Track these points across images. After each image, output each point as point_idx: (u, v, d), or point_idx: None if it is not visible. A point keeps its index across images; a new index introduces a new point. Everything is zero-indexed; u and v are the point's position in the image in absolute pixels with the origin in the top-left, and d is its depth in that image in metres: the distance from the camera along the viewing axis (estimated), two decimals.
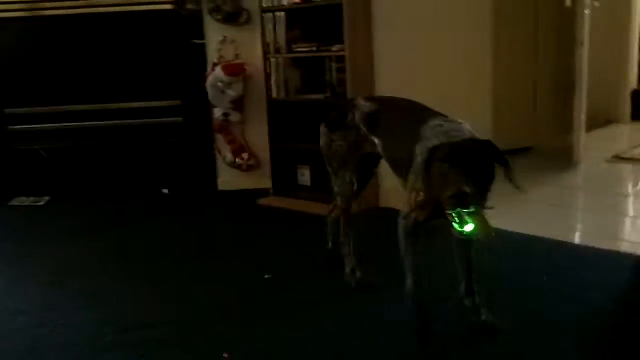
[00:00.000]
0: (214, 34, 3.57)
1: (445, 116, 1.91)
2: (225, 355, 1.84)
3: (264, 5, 3.37)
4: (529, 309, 2.04)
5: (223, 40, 3.56)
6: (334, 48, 3.21)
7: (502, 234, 2.68)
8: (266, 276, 2.41)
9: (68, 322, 2.14)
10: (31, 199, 3.66)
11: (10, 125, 3.61)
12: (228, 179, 3.72)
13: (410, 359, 1.80)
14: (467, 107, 3.52)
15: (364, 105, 2.16)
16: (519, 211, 2.91)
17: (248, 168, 3.68)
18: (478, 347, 1.84)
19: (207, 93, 3.54)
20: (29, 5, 3.55)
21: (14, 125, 3.61)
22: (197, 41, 3.61)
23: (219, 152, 3.71)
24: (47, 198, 3.65)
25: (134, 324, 2.08)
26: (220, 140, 3.68)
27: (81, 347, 1.97)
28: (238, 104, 3.59)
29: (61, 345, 1.99)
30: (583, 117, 3.81)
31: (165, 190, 3.73)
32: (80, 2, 3.55)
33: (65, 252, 2.85)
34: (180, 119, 3.70)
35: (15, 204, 3.62)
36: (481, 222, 1.60)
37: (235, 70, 3.49)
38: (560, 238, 2.65)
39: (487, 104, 3.61)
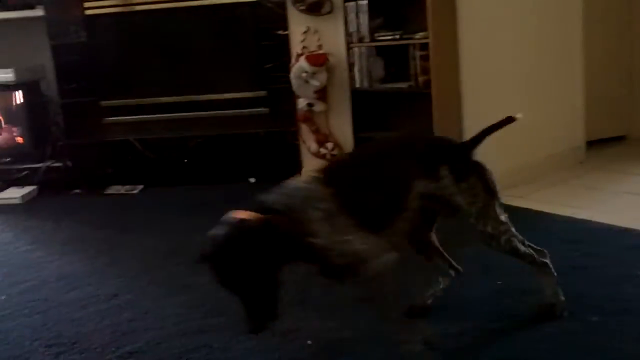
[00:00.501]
0: (298, 24, 3.60)
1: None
2: (309, 342, 1.88)
3: None
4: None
5: (306, 31, 3.58)
6: (417, 36, 3.16)
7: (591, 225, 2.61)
8: None
9: (160, 306, 2.24)
10: (126, 187, 3.83)
11: (106, 117, 3.79)
12: (313, 169, 3.74)
13: None
14: (557, 98, 3.42)
15: None
16: (609, 203, 2.78)
17: (332, 157, 3.70)
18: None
19: (291, 84, 3.58)
20: (122, 0, 3.71)
21: (110, 117, 3.79)
22: (281, 32, 3.65)
23: (304, 142, 3.74)
24: (140, 187, 3.81)
25: (222, 309, 2.14)
26: (305, 130, 3.71)
27: (169, 330, 2.06)
28: (322, 94, 3.60)
29: (152, 328, 2.09)
30: None
31: (252, 180, 3.81)
32: None
33: (157, 239, 2.98)
34: (266, 109, 3.76)
35: (111, 192, 3.80)
36: None
37: (318, 60, 3.51)
38: None
39: (578, 93, 3.47)
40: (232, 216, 1.58)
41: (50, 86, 3.96)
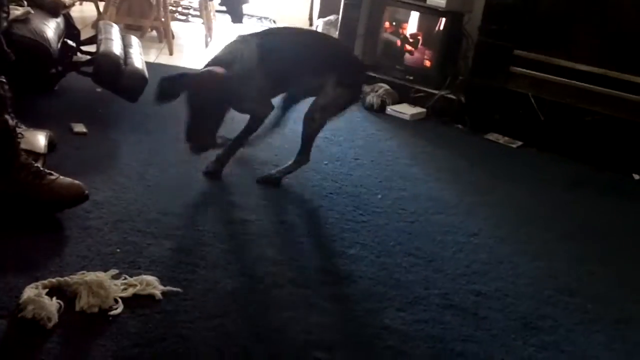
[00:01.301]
0: None
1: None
2: None
3: None
4: None
5: None
6: None
7: None
8: None
9: (515, 263, 2.26)
10: (505, 138, 3.84)
11: (514, 66, 3.79)
12: None
13: None
14: None
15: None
16: None
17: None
18: None
19: None
20: None
21: (518, 67, 3.78)
22: None
23: None
24: (520, 143, 3.79)
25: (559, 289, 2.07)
26: None
27: (519, 289, 2.07)
28: None
29: (503, 280, 2.12)
30: None
31: (637, 177, 3.50)
32: None
33: (526, 196, 2.96)
34: None
35: (490, 138, 3.86)
36: None
37: None
38: None
39: None
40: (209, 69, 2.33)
41: (472, 21, 4.08)
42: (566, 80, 3.64)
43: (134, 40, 3.49)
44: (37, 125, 2.45)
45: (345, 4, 4.51)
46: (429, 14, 4.14)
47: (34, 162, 2.03)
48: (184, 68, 4.43)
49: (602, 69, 3.52)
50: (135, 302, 1.66)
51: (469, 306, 1.94)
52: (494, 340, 1.80)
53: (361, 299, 1.89)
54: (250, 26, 6.75)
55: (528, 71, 3.76)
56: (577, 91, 3.64)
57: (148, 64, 3.40)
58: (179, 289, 1.75)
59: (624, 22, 3.54)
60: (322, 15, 6.22)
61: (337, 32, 4.71)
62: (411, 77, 4.25)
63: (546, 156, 3.65)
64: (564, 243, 2.52)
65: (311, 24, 7.21)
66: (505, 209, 2.80)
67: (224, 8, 5.57)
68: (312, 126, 2.59)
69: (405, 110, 4.07)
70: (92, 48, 3.30)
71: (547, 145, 3.72)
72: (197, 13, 5.81)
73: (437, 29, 4.14)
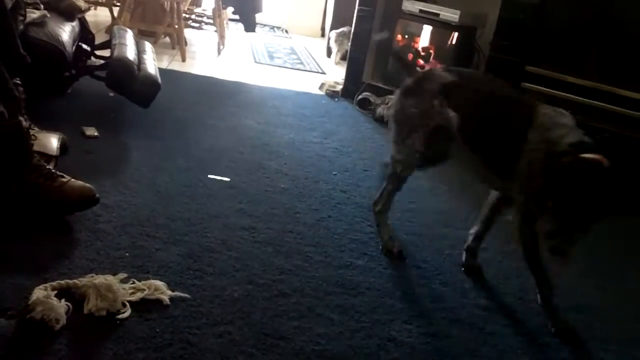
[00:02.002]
0: None
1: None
2: None
3: None
4: None
5: None
6: None
7: None
8: None
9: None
10: None
11: (525, 82, 3.79)
12: None
13: None
14: None
15: (441, 75, 2.11)
16: None
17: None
18: None
19: None
20: None
21: (529, 83, 3.78)
22: None
23: None
24: None
25: None
26: None
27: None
28: None
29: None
30: None
31: None
32: None
33: None
34: None
35: None
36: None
37: None
38: None
39: None
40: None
41: (484, 37, 4.09)
42: (576, 97, 3.64)
43: (148, 46, 3.52)
44: (50, 127, 2.46)
45: (358, 16, 4.53)
46: (442, 28, 4.16)
47: (45, 164, 2.05)
48: (195, 75, 4.47)
49: (612, 86, 3.51)
50: (143, 306, 1.67)
51: (476, 321, 1.93)
52: (500, 356, 1.80)
53: (368, 311, 1.88)
54: (262, 35, 6.79)
55: (539, 87, 3.76)
56: (587, 108, 3.63)
57: (160, 70, 3.42)
58: (186, 295, 1.75)
59: (635, 40, 3.54)
60: (334, 26, 6.26)
61: (349, 43, 4.73)
62: None
63: None
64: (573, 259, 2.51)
65: (323, 35, 7.25)
66: None
67: (237, 17, 5.61)
68: None
69: None
70: (106, 52, 3.33)
71: None
72: (211, 21, 5.86)
73: (449, 43, 4.15)
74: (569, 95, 3.66)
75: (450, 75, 2.13)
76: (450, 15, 4.04)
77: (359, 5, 4.51)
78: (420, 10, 4.20)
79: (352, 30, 4.61)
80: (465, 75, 2.19)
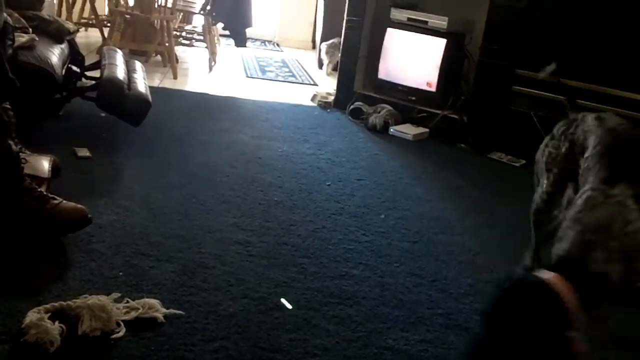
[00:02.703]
0: None
1: None
2: None
3: None
4: None
5: None
6: None
7: None
8: None
9: None
10: (509, 157, 3.85)
11: (515, 86, 3.80)
12: None
13: None
14: None
15: (590, 123, 1.87)
16: None
17: None
18: None
19: None
20: None
21: (519, 87, 3.79)
22: None
23: None
24: (523, 161, 3.79)
25: None
26: None
27: None
28: None
29: None
30: None
31: None
32: None
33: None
34: None
35: (493, 157, 3.86)
36: None
37: None
38: None
39: None
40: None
41: (473, 42, 4.11)
42: (566, 98, 3.65)
43: (138, 65, 3.53)
44: (43, 150, 2.47)
45: (347, 27, 4.55)
46: (431, 35, 4.17)
47: (37, 187, 2.05)
48: (188, 92, 4.48)
49: (603, 87, 3.53)
50: (138, 325, 1.66)
51: (473, 326, 1.93)
52: None
53: (364, 320, 1.88)
54: (253, 50, 6.81)
55: (530, 90, 3.78)
56: (579, 109, 3.64)
57: (153, 88, 3.44)
58: (181, 312, 1.75)
59: (624, 40, 3.56)
60: (324, 38, 6.28)
61: (339, 54, 4.75)
62: (414, 98, 4.27)
63: None
64: None
65: (314, 47, 7.28)
66: (509, 228, 2.78)
67: (227, 32, 5.63)
68: None
69: (408, 131, 4.09)
70: (96, 73, 3.34)
71: None
72: (201, 37, 5.87)
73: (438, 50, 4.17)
74: (559, 97, 3.67)
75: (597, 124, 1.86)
76: (439, 22, 4.07)
77: (348, 15, 4.53)
78: (408, 19, 4.23)
79: (342, 41, 4.63)
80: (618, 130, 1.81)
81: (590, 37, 3.64)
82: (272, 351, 1.66)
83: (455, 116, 4.07)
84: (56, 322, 1.57)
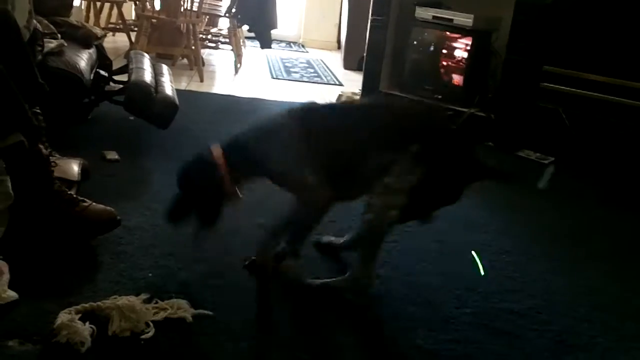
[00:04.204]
0: None
1: None
2: None
3: None
4: None
5: None
6: None
7: None
8: None
9: (548, 281, 2.22)
10: (537, 154, 3.80)
11: (543, 82, 3.76)
12: None
13: None
14: None
15: None
16: None
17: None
18: None
19: None
20: None
21: (547, 83, 3.75)
22: None
23: None
24: (551, 158, 3.74)
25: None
26: None
27: (555, 308, 2.03)
28: None
29: (538, 298, 2.08)
30: None
31: None
32: None
33: (558, 216, 2.92)
34: None
35: (522, 155, 3.82)
36: None
37: None
38: None
39: None
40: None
41: (499, 39, 4.07)
42: (597, 94, 3.60)
43: (165, 68, 3.57)
44: (72, 153, 2.51)
45: (371, 26, 4.54)
46: (456, 33, 4.14)
47: (67, 190, 2.08)
48: (214, 94, 4.51)
49: (631, 81, 3.47)
50: (167, 325, 1.68)
51: (502, 325, 1.91)
52: (528, 359, 1.77)
53: (392, 319, 1.87)
54: (279, 51, 6.84)
55: (558, 86, 3.73)
56: (609, 105, 3.59)
57: (179, 91, 3.47)
58: (209, 312, 1.76)
59: None
60: (349, 38, 6.27)
61: (364, 54, 4.75)
62: (440, 96, 4.24)
63: (578, 171, 3.59)
64: (597, 260, 2.47)
65: (339, 47, 7.28)
66: (537, 226, 2.76)
67: (252, 34, 5.66)
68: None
69: None
70: (124, 77, 3.38)
71: (579, 160, 3.67)
72: (227, 40, 5.92)
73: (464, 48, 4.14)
74: (587, 92, 3.63)
75: None
76: (464, 20, 4.04)
77: (373, 15, 4.53)
78: (434, 17, 4.21)
79: (367, 40, 4.62)
80: None
81: (617, 33, 3.58)
82: (300, 351, 1.67)
83: (483, 114, 4.04)
84: (87, 323, 1.60)
